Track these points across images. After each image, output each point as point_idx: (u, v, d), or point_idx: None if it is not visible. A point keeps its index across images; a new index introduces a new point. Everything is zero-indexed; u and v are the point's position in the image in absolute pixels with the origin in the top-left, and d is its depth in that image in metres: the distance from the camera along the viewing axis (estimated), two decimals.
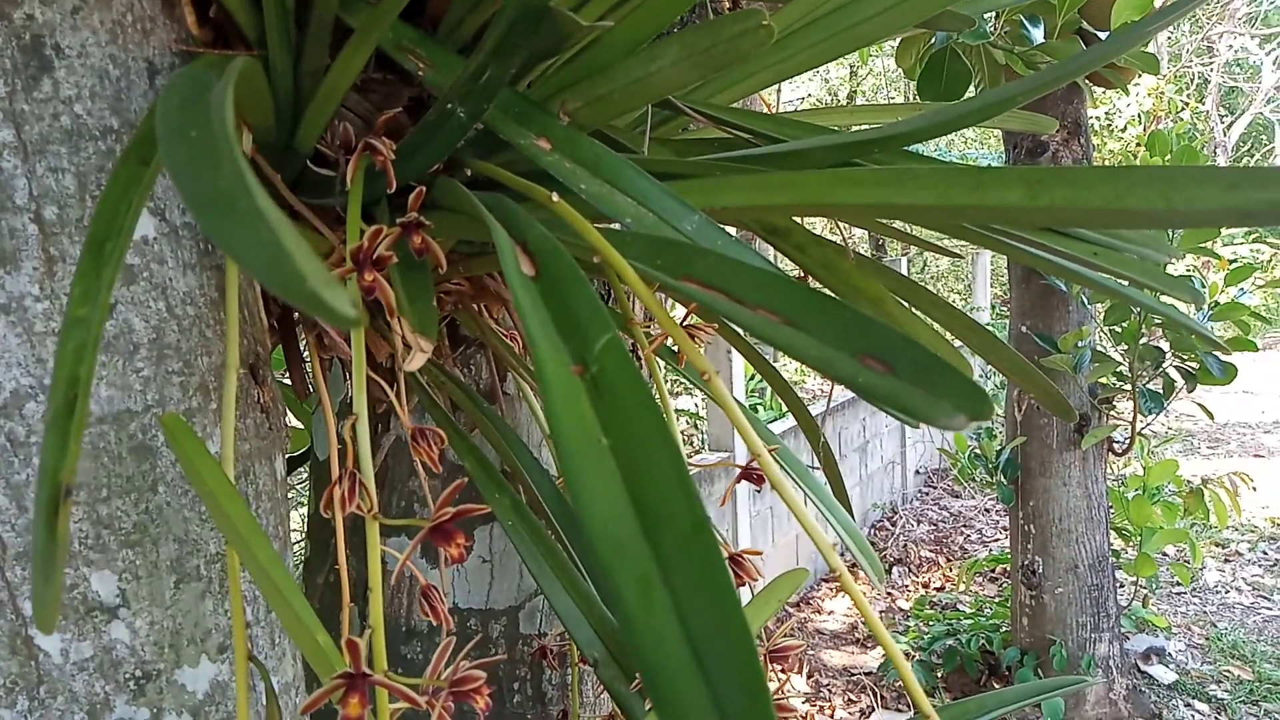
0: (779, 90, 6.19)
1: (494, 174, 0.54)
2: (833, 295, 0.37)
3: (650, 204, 0.52)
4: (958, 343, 0.81)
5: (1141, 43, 0.69)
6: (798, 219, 0.67)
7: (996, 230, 0.55)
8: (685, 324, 0.60)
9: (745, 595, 0.85)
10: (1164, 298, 0.63)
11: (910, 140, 0.61)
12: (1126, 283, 0.55)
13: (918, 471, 6.80)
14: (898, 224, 1.00)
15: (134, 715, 0.53)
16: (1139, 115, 7.50)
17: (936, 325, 0.82)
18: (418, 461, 0.60)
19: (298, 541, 1.42)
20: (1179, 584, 4.72)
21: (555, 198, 0.47)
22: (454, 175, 0.58)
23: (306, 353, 0.79)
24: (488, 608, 0.87)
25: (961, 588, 4.96)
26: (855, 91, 9.91)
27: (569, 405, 0.33)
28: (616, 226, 0.55)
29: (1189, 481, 3.91)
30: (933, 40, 2.26)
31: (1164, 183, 0.41)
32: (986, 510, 6.23)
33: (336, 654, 0.48)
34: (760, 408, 6.30)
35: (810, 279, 0.64)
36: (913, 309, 0.70)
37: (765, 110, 0.96)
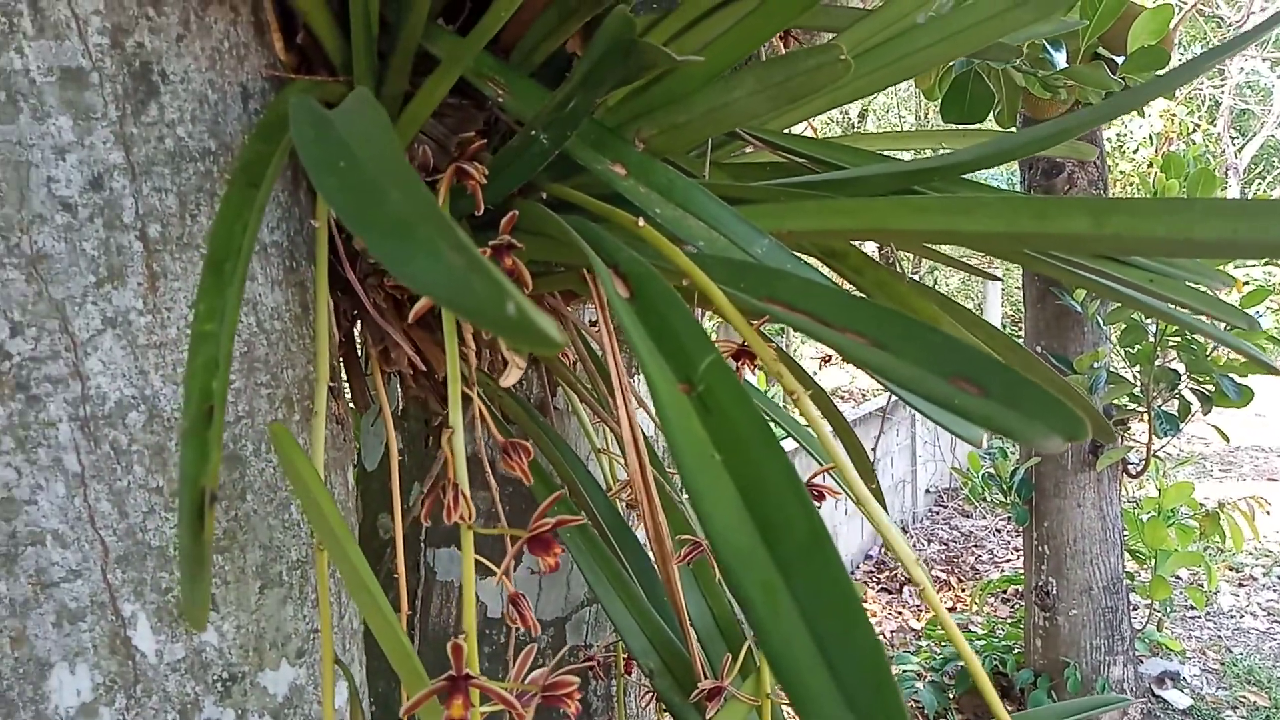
0: None
1: (572, 198, 0.56)
2: (915, 317, 0.39)
3: (721, 228, 0.55)
4: None
5: (1187, 78, 0.71)
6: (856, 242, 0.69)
7: (1051, 255, 0.58)
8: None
9: None
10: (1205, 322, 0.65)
11: (971, 168, 0.63)
12: (1177, 309, 0.57)
13: (928, 490, 6.79)
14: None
15: (220, 716, 0.55)
16: (1150, 137, 7.53)
17: (979, 344, 0.84)
18: (489, 473, 0.62)
19: None
20: (1193, 608, 4.70)
21: (641, 222, 0.49)
22: (528, 199, 0.61)
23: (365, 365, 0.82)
24: (535, 619, 0.89)
25: (974, 608, 4.95)
26: (866, 110, 9.96)
27: (681, 423, 0.35)
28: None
29: (1203, 504, 3.91)
30: (952, 64, 2.29)
31: (1232, 214, 0.43)
32: (998, 530, 6.23)
33: (415, 656, 0.50)
34: (774, 424, 6.32)
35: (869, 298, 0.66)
36: (959, 328, 0.72)
37: (812, 135, 0.98)
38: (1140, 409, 3.50)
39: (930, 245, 0.73)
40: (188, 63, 0.54)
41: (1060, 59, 1.97)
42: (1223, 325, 0.65)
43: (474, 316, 0.23)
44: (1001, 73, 2.38)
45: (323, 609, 0.52)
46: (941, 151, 0.83)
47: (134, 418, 0.52)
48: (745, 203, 0.59)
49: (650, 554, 0.77)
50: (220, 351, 0.39)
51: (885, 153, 0.90)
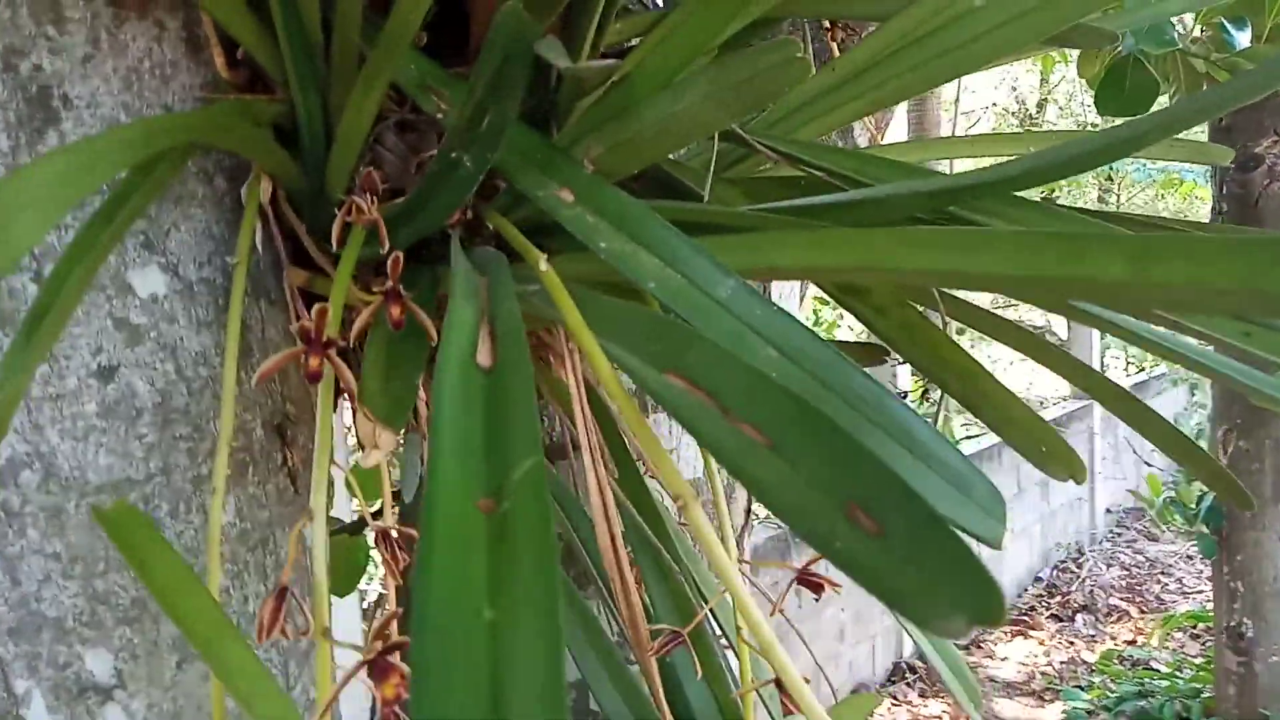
0: (957, 100, 5.86)
1: (501, 228, 0.48)
2: (832, 419, 0.28)
3: (680, 265, 0.45)
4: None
5: None
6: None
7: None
8: None
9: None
10: None
11: (1022, 184, 0.50)
12: None
13: (1109, 510, 6.25)
14: None
15: None
16: None
17: (1057, 390, 0.69)
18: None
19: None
20: None
21: (543, 265, 0.40)
22: (474, 232, 0.53)
23: None
24: None
25: (1154, 643, 4.50)
26: (1046, 99, 9.30)
27: (455, 556, 0.26)
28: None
29: None
30: (1119, 48, 2.04)
31: None
32: (1189, 557, 5.64)
33: None
34: None
35: (892, 348, 0.54)
36: (1002, 388, 0.58)
37: (873, 141, 0.86)
38: None
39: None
40: (96, 85, 0.49)
41: (1242, 39, 1.70)
42: None
43: None
44: (1178, 57, 2.11)
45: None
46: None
47: (27, 477, 0.48)
48: (724, 231, 0.49)
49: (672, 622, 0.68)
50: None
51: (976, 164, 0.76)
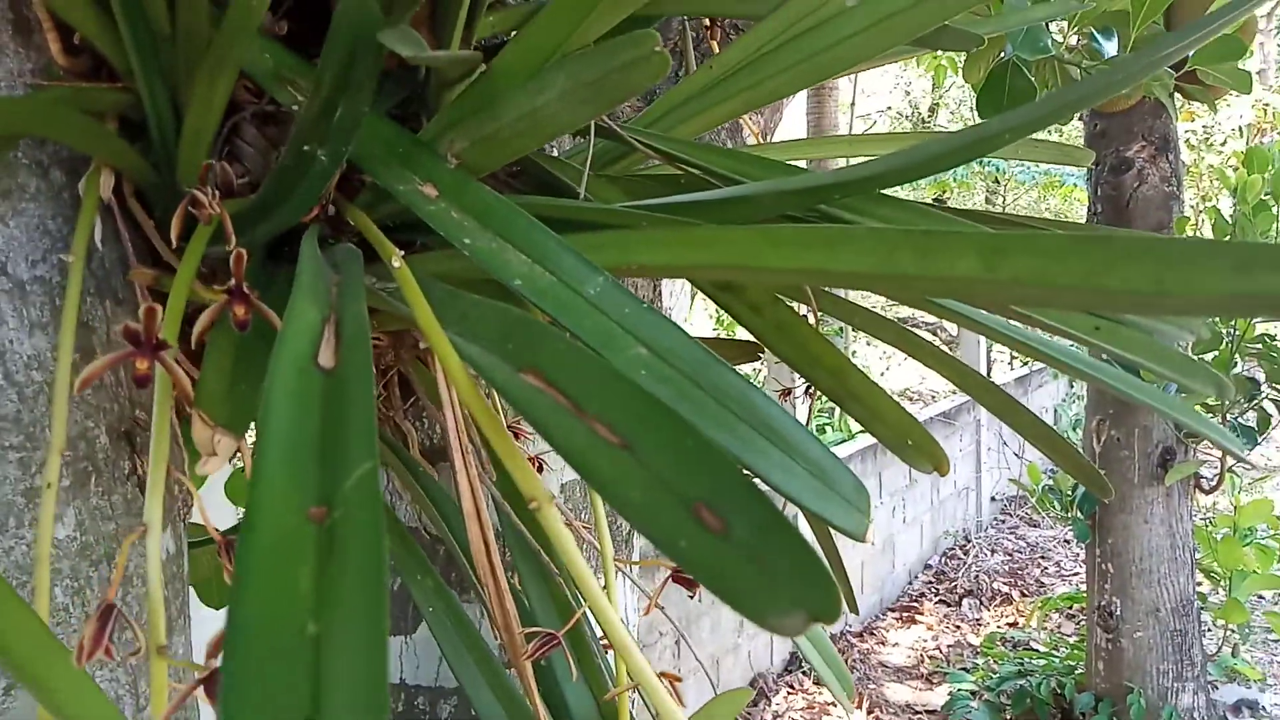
0: (854, 104, 6.00)
1: (360, 224, 0.46)
2: (685, 419, 0.28)
3: (548, 262, 0.44)
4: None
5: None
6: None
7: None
8: None
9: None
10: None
11: (884, 183, 0.51)
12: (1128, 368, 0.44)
13: (993, 498, 6.52)
14: None
15: None
16: (1240, 129, 7.12)
17: (948, 383, 0.71)
18: None
19: None
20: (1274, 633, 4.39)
21: (396, 261, 0.39)
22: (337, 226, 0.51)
23: None
24: (437, 685, 0.79)
25: (1034, 624, 4.72)
26: (938, 104, 9.63)
27: (278, 571, 0.24)
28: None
29: None
30: (1001, 54, 2.12)
31: (1155, 259, 0.31)
32: (1066, 542, 5.93)
33: None
34: (829, 428, 6.11)
35: (766, 345, 0.54)
36: (870, 383, 0.59)
37: (754, 139, 0.86)
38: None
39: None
40: None
41: (1110, 48, 1.79)
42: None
43: None
44: (1056, 65, 2.20)
45: None
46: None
47: None
48: (596, 228, 0.48)
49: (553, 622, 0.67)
50: None
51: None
